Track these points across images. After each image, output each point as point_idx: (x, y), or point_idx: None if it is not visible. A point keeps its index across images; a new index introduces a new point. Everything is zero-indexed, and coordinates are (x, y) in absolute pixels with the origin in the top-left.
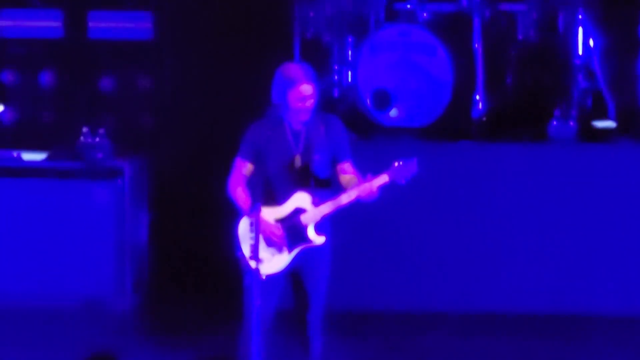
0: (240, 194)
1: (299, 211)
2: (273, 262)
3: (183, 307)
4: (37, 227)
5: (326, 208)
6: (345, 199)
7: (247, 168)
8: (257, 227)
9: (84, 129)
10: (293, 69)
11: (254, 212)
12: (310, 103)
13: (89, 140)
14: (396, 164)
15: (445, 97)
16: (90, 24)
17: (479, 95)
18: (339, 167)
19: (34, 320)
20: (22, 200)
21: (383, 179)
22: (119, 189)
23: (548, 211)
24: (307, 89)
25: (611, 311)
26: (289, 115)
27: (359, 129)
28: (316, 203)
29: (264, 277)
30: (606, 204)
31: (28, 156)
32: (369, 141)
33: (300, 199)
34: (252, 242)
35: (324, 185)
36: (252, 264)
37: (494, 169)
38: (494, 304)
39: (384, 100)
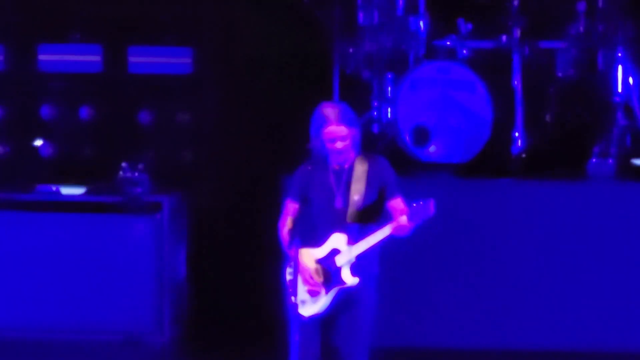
0: (286, 237)
1: (335, 252)
2: (314, 303)
3: (221, 342)
4: (75, 262)
5: (358, 248)
6: (374, 238)
7: (295, 209)
8: (296, 266)
9: (123, 164)
10: (327, 108)
11: (292, 251)
12: (342, 145)
13: (128, 174)
14: (414, 204)
15: (484, 134)
16: (130, 59)
17: (518, 132)
18: (389, 205)
19: (74, 355)
20: (61, 235)
21: (403, 220)
22: (157, 223)
23: (587, 249)
24: (337, 130)
25: None
26: (328, 154)
27: (398, 165)
28: (351, 244)
29: (306, 318)
30: None
31: (67, 190)
32: (408, 177)
33: (337, 240)
34: (291, 278)
35: (367, 225)
36: (292, 299)
37: (532, 206)
38: (531, 341)
39: (423, 136)
